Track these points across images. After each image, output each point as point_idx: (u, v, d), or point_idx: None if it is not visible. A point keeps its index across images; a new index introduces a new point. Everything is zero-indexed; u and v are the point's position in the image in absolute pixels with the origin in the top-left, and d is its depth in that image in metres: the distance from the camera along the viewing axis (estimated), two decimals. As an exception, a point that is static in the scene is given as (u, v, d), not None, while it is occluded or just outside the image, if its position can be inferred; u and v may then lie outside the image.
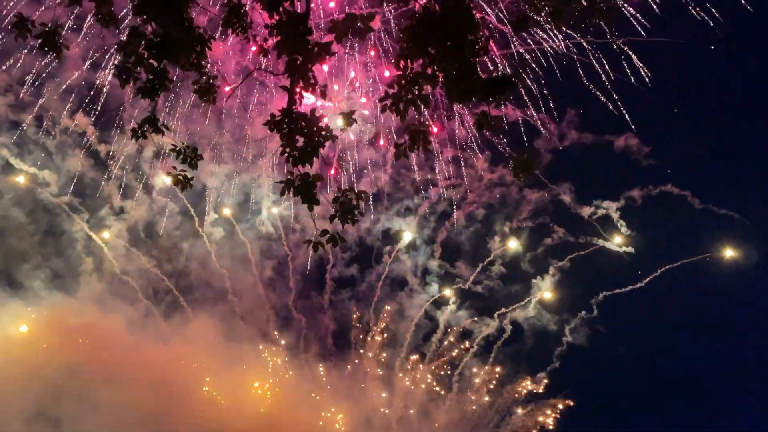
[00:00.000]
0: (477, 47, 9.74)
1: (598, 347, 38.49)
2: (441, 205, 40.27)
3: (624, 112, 34.01)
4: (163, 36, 10.53)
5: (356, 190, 12.01)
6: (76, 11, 29.01)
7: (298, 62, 10.47)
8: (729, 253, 36.35)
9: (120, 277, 37.51)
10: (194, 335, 36.53)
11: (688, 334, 39.60)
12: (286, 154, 11.57)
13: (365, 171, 38.43)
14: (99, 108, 34.24)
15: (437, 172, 38.19)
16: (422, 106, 9.94)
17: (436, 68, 9.64)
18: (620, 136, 37.29)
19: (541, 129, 35.59)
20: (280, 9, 9.88)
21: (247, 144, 37.41)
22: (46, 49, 10.80)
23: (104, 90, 33.53)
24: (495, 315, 40.04)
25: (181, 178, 10.82)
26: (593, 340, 38.31)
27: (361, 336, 40.79)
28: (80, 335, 33.65)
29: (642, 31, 31.38)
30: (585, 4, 10.38)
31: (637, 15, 31.06)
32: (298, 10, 10.76)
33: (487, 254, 40.60)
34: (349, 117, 12.25)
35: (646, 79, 32.51)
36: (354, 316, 40.85)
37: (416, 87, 9.87)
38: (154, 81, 10.78)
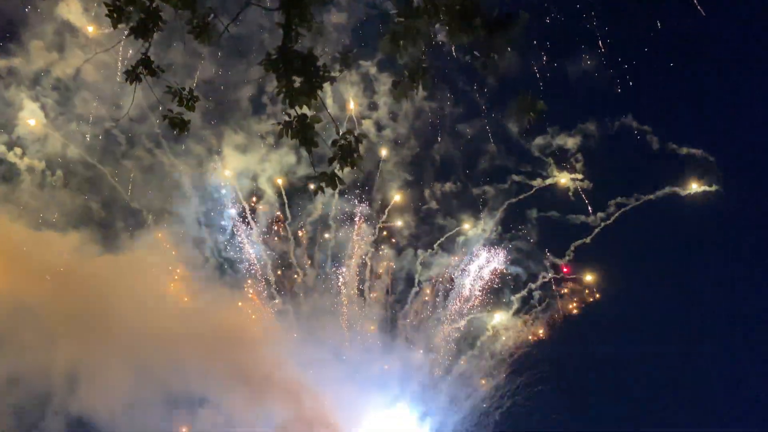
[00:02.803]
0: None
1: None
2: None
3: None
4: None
5: (355, 133, 11.87)
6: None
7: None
8: (693, 189, 34.80)
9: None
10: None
11: (649, 272, 38.45)
12: (282, 95, 11.37)
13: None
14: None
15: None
16: (422, 44, 9.69)
17: (436, 3, 9.34)
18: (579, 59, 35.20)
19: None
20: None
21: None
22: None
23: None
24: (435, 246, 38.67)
25: (177, 120, 10.66)
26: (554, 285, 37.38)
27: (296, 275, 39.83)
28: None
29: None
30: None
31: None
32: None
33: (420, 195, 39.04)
34: (347, 58, 11.99)
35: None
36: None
37: (416, 23, 9.59)
38: (147, 21, 10.49)
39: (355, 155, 11.71)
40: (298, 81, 11.18)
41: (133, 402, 33.15)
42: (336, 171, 11.65)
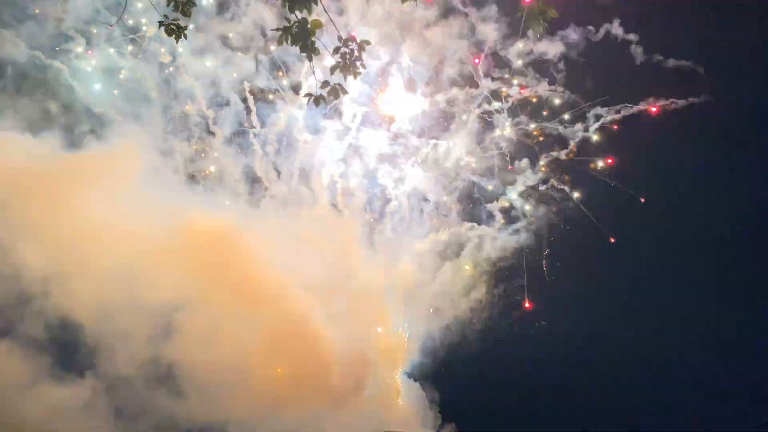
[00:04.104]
0: None
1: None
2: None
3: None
4: None
5: (358, 40, 11.47)
6: None
7: None
8: (679, 102, 34.36)
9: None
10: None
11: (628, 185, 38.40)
12: (282, -1, 10.83)
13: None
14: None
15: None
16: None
17: None
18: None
19: None
20: None
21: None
22: None
23: None
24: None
25: (174, 27, 10.06)
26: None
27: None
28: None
29: None
30: None
31: None
32: None
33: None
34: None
35: None
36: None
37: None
38: None
39: (359, 64, 11.40)
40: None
41: (111, 306, 33.27)
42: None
